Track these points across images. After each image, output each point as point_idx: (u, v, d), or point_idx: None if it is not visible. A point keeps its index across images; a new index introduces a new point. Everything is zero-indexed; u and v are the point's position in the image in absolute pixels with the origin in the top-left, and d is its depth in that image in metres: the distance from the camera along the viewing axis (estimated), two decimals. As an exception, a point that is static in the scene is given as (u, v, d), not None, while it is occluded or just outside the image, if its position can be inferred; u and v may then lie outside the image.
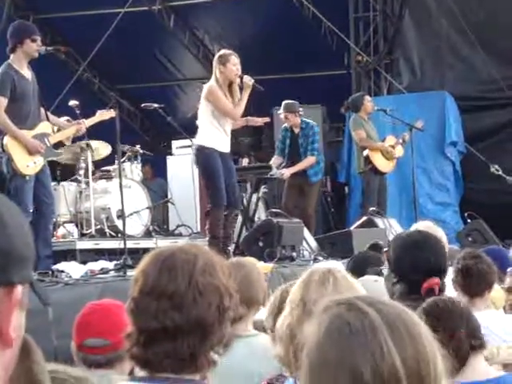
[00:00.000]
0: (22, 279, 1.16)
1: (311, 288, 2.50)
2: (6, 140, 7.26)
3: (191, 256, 2.04)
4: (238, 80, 8.33)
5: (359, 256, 5.51)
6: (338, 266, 5.53)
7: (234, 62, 8.26)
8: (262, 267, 5.80)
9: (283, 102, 10.72)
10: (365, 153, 11.05)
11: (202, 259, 2.04)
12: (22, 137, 7.28)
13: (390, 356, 1.36)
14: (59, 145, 10.03)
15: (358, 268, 4.81)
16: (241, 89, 8.38)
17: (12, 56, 7.38)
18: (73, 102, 9.10)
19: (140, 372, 2.06)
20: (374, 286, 3.50)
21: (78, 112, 8.93)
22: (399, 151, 11.25)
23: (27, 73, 7.43)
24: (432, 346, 1.41)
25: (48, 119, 7.70)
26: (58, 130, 7.95)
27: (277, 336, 2.54)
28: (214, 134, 8.18)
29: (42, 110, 7.65)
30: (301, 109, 10.69)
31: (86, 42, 14.19)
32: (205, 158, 8.15)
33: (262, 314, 3.32)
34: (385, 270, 3.62)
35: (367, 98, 11.44)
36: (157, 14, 15.24)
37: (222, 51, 8.50)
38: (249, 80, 8.35)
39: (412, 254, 3.42)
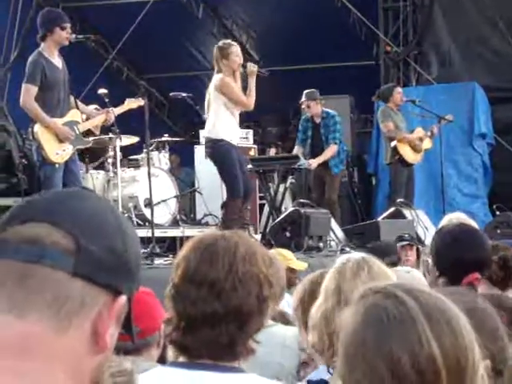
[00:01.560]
0: (128, 291, 1.17)
1: (346, 276, 2.50)
2: (37, 128, 7.29)
3: (232, 244, 2.04)
4: (241, 68, 8.33)
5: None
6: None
7: (237, 53, 8.25)
8: (298, 265, 5.78)
9: (304, 92, 10.69)
10: (392, 144, 11.00)
11: (242, 247, 2.04)
12: (52, 124, 7.31)
13: (428, 344, 1.35)
14: (88, 133, 10.09)
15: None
16: (245, 76, 8.37)
17: (42, 44, 7.40)
18: (102, 91, 9.13)
19: (179, 358, 2.07)
20: (407, 278, 3.48)
21: (106, 100, 8.95)
22: (427, 143, 11.19)
23: (58, 61, 7.45)
24: (470, 335, 1.39)
25: (77, 107, 7.72)
26: (87, 119, 7.97)
27: (310, 324, 2.54)
28: (228, 125, 8.19)
29: (72, 98, 7.67)
30: (322, 98, 10.65)
31: (115, 31, 14.22)
32: (221, 150, 8.15)
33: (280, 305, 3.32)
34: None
35: (398, 89, 11.38)
36: (186, 3, 15.24)
37: (221, 43, 8.47)
38: (253, 67, 8.36)
39: (452, 249, 3.40)
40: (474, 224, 4.61)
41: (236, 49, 8.22)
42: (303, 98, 10.64)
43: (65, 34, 7.39)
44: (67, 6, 15.39)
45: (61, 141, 7.38)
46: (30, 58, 7.43)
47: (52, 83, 7.33)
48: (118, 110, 8.25)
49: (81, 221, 1.15)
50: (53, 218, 1.14)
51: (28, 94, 7.22)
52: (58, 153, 7.37)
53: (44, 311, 1.11)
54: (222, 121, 8.14)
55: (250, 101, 8.17)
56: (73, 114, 7.59)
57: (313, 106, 10.52)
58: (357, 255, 2.68)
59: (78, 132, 7.57)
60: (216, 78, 8.11)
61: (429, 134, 11.16)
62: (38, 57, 7.34)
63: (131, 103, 8.40)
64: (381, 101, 11.66)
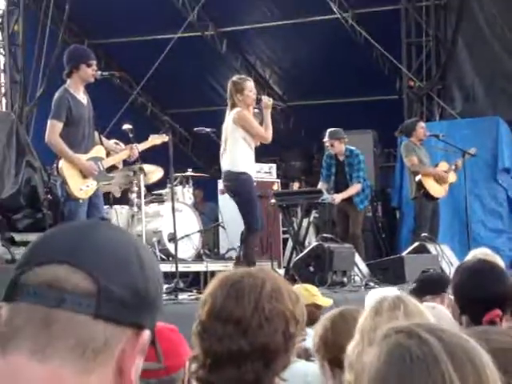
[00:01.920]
0: (150, 325, 1.17)
1: (382, 315, 2.48)
2: (61, 163, 7.34)
3: (259, 281, 2.04)
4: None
5: (425, 278, 5.37)
6: (395, 292, 5.48)
7: (251, 88, 8.28)
8: (324, 301, 5.75)
9: (328, 130, 10.69)
10: (417, 178, 10.98)
11: (269, 284, 2.04)
12: (76, 160, 7.36)
13: None
14: (112, 168, 10.14)
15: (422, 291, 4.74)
16: (259, 110, 8.40)
17: (68, 81, 7.47)
18: (126, 126, 9.18)
19: None
20: (432, 314, 3.45)
21: (131, 136, 9.01)
22: (452, 177, 11.16)
23: (83, 97, 7.52)
24: (494, 375, 1.38)
25: (102, 143, 7.77)
26: (108, 154, 8.01)
27: (346, 363, 2.52)
28: (248, 159, 8.22)
29: (96, 134, 7.72)
30: (345, 136, 10.65)
31: (139, 67, 14.35)
32: (244, 184, 8.16)
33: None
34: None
35: (421, 124, 11.38)
36: (209, 39, 15.37)
37: (236, 78, 8.49)
38: (268, 100, 8.37)
39: (471, 286, 3.36)
40: (498, 259, 4.57)
41: (250, 84, 8.27)
42: (326, 137, 10.64)
43: (91, 71, 7.45)
44: (92, 43, 15.58)
45: (85, 176, 7.42)
46: (56, 95, 7.49)
47: (77, 119, 7.39)
48: (142, 146, 8.28)
49: (100, 259, 1.14)
50: (72, 258, 1.13)
51: (53, 129, 7.28)
52: (82, 188, 7.41)
53: (67, 356, 1.10)
54: (242, 154, 8.17)
55: (268, 133, 8.20)
56: (97, 150, 7.64)
57: (336, 144, 10.52)
58: (392, 294, 2.67)
59: (101, 168, 7.61)
60: (233, 112, 8.14)
61: (453, 167, 11.14)
62: (64, 93, 7.41)
63: (155, 139, 8.44)
64: (404, 135, 11.66)
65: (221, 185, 12.55)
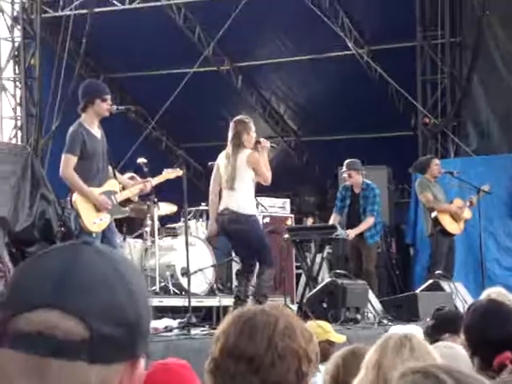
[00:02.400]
0: (144, 351, 1.14)
1: (388, 353, 2.47)
2: (75, 197, 7.36)
3: (272, 318, 2.02)
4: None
5: (440, 316, 5.30)
6: (417, 330, 5.43)
7: (254, 130, 8.36)
8: (337, 338, 5.71)
9: (346, 161, 10.69)
10: (433, 215, 10.95)
11: (282, 322, 2.01)
12: (90, 194, 7.38)
13: None
14: (126, 201, 10.15)
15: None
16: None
17: (83, 115, 7.51)
18: (141, 160, 9.21)
19: None
20: (448, 354, 3.41)
21: (145, 170, 9.03)
22: (467, 213, 11.12)
23: (97, 131, 7.55)
24: None
25: (115, 177, 7.79)
26: (123, 188, 8.02)
27: None
28: (254, 201, 8.27)
29: (110, 168, 7.74)
30: (363, 168, 10.64)
31: (154, 101, 14.42)
32: (254, 225, 8.18)
33: None
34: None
35: (435, 161, 11.36)
36: (225, 74, 15.45)
37: (243, 118, 8.53)
38: (266, 142, 8.42)
39: (480, 328, 3.32)
40: (512, 299, 4.52)
41: (253, 126, 8.40)
42: (344, 167, 10.62)
43: (105, 106, 7.48)
44: (108, 77, 15.69)
45: (98, 210, 7.43)
46: (71, 129, 7.53)
47: (91, 153, 7.42)
48: (156, 181, 8.29)
49: (89, 299, 1.10)
50: (60, 301, 1.09)
51: (67, 163, 7.30)
52: (96, 222, 7.42)
53: None
54: (251, 196, 8.23)
55: (270, 174, 8.27)
56: (111, 184, 7.66)
57: (354, 175, 10.49)
58: (400, 331, 2.65)
59: (115, 202, 7.62)
60: (245, 154, 8.10)
61: (467, 204, 11.10)
62: (79, 127, 7.44)
63: (169, 174, 8.44)
64: (418, 172, 11.65)
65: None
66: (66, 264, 1.12)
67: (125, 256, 1.21)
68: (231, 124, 8.42)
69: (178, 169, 8.43)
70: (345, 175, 10.65)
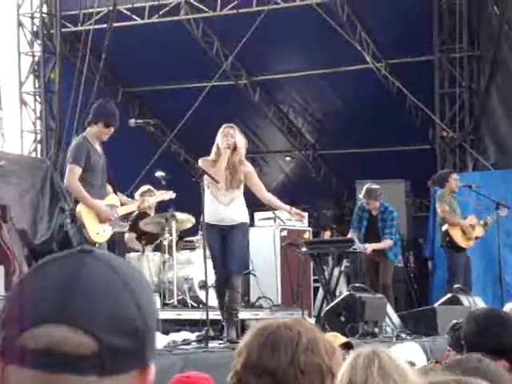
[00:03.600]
0: (153, 358, 1.14)
1: (358, 371, 2.46)
2: (79, 207, 7.40)
3: (295, 333, 2.01)
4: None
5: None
6: (415, 348, 5.41)
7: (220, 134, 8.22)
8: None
9: (365, 187, 10.59)
10: (444, 227, 10.96)
11: (305, 337, 2.01)
12: (94, 204, 7.44)
13: None
14: (143, 215, 10.20)
15: None
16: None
17: (88, 129, 7.58)
18: (159, 173, 9.26)
19: None
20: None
21: (163, 183, 9.08)
22: (479, 231, 11.10)
23: (99, 148, 7.62)
24: None
25: (116, 194, 7.88)
26: (122, 205, 8.12)
27: None
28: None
29: (110, 187, 7.81)
30: (381, 194, 10.56)
31: (172, 115, 14.48)
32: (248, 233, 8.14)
33: None
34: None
35: (454, 175, 11.33)
36: (242, 88, 15.49)
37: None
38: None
39: (477, 336, 3.33)
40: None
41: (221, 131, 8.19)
42: (363, 194, 10.53)
43: (106, 132, 7.54)
44: (127, 91, 15.78)
45: (101, 221, 7.47)
46: (75, 141, 7.61)
47: (94, 167, 7.48)
48: (152, 199, 8.59)
49: (96, 311, 1.08)
50: (67, 316, 1.08)
51: (72, 173, 7.36)
52: (99, 233, 7.46)
53: None
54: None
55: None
56: (112, 198, 7.73)
57: (371, 203, 10.45)
58: (368, 348, 2.63)
59: (116, 215, 7.68)
60: (251, 168, 8.04)
61: (482, 222, 11.08)
62: (83, 140, 7.52)
63: (163, 195, 8.63)
64: (437, 186, 11.64)
65: (254, 232, 12.50)
66: (69, 275, 1.10)
67: (125, 260, 1.19)
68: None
69: (171, 192, 8.55)
70: (363, 201, 10.56)
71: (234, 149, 7.77)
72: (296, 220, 8.41)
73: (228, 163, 7.74)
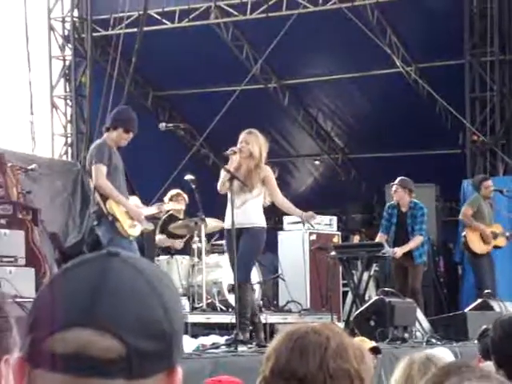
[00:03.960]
0: (180, 359, 1.14)
1: (415, 378, 2.43)
2: (109, 203, 7.44)
3: (324, 338, 2.01)
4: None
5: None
6: (445, 353, 5.37)
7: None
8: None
9: (399, 177, 10.58)
10: (463, 233, 10.97)
11: (334, 342, 2.01)
12: (125, 202, 7.51)
13: None
14: (173, 218, 10.24)
15: None
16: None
17: (107, 134, 7.63)
18: (189, 177, 9.30)
19: None
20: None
21: (193, 186, 9.11)
22: (500, 241, 11.05)
23: (117, 152, 7.70)
24: None
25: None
26: None
27: None
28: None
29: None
30: (413, 189, 10.53)
31: (202, 118, 14.52)
32: (264, 238, 8.10)
33: None
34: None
35: (485, 183, 11.27)
36: (272, 91, 15.50)
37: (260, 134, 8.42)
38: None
39: (506, 341, 3.30)
40: None
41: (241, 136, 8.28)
42: (396, 182, 10.50)
43: (126, 137, 7.60)
44: (157, 95, 15.84)
45: (130, 217, 7.54)
46: (96, 143, 7.68)
47: (114, 169, 7.56)
48: (169, 206, 8.97)
49: (124, 314, 1.08)
50: (94, 319, 1.07)
51: (101, 173, 7.42)
52: (132, 226, 7.52)
53: None
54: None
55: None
56: (134, 200, 7.83)
57: (401, 191, 10.37)
58: (419, 355, 2.60)
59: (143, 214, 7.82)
60: (268, 170, 8.06)
61: (507, 234, 11.02)
62: (103, 143, 7.60)
63: (173, 205, 9.02)
64: (474, 189, 11.61)
65: (283, 236, 12.52)
66: (96, 279, 1.10)
67: (152, 263, 1.18)
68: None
69: (164, 206, 8.75)
70: (393, 189, 10.56)
71: (250, 155, 7.83)
72: (308, 223, 8.41)
73: (242, 168, 7.83)
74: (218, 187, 7.97)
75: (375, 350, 5.73)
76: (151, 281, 1.11)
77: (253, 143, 7.93)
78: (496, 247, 11.05)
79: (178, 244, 10.25)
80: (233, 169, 7.85)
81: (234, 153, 7.88)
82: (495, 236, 10.97)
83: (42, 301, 1.12)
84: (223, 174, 7.89)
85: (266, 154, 8.04)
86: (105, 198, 7.48)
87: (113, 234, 7.45)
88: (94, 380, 1.07)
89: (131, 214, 7.50)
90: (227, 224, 7.87)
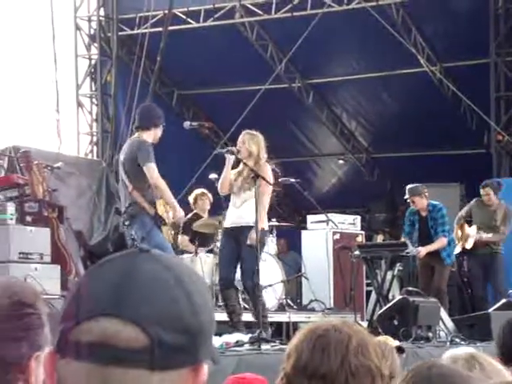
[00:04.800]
0: (207, 357, 1.15)
1: None
2: (158, 206, 7.57)
3: (345, 335, 2.03)
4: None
5: None
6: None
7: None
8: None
9: (407, 187, 10.57)
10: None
11: (355, 339, 2.02)
12: (175, 205, 7.62)
13: None
14: (198, 217, 10.28)
15: None
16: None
17: (144, 134, 7.69)
18: (213, 176, 9.32)
19: None
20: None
21: (217, 185, 9.13)
22: (469, 244, 11.11)
23: None
24: None
25: None
26: None
27: None
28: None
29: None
30: (426, 190, 10.50)
31: (226, 117, 14.55)
32: (263, 239, 8.09)
33: None
34: None
35: (482, 190, 11.24)
36: (296, 90, 15.50)
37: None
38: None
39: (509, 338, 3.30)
40: None
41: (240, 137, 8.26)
42: (407, 194, 10.52)
43: (160, 134, 7.72)
44: (182, 94, 15.90)
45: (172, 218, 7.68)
46: (142, 141, 7.67)
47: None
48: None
49: (149, 306, 1.11)
50: (119, 310, 1.10)
51: (155, 172, 7.52)
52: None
53: None
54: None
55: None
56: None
57: (417, 200, 10.38)
58: (463, 352, 2.61)
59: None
60: (265, 172, 8.05)
61: (477, 236, 11.06)
62: (146, 141, 7.66)
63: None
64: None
65: (306, 235, 12.52)
66: (124, 272, 1.12)
67: (182, 261, 1.21)
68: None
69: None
70: (408, 201, 10.55)
71: (249, 154, 7.90)
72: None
73: (244, 171, 7.91)
74: (219, 187, 8.02)
75: (399, 350, 5.73)
76: (179, 277, 1.13)
77: (249, 142, 8.01)
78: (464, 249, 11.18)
79: (199, 250, 10.23)
80: (236, 172, 7.85)
81: (232, 153, 7.92)
82: (465, 238, 11.11)
83: (73, 292, 1.15)
84: (225, 174, 7.91)
85: (266, 154, 8.10)
86: (148, 198, 7.53)
87: (148, 229, 7.54)
88: (118, 369, 1.09)
89: (174, 217, 7.60)
90: (227, 223, 7.93)
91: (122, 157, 7.84)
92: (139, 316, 1.10)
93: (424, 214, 10.41)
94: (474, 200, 11.29)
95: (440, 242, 10.25)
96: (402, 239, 10.54)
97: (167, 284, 1.12)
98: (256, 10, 14.09)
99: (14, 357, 1.59)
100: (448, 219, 10.52)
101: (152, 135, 7.68)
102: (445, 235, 10.29)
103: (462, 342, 8.34)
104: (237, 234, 7.83)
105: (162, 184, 7.54)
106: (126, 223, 7.68)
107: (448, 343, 8.37)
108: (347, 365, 1.99)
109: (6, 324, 1.61)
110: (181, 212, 7.70)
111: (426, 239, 10.31)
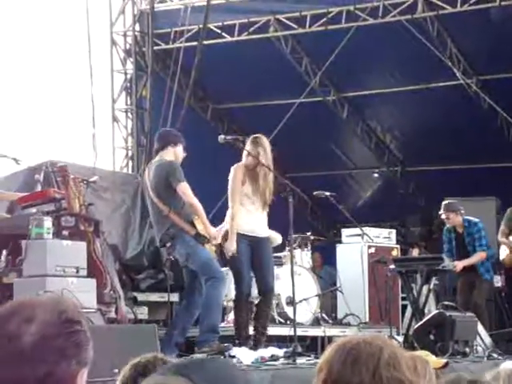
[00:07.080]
0: None
1: None
2: (197, 225, 7.62)
3: (376, 348, 2.02)
4: None
5: None
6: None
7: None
8: (436, 362, 5.63)
9: (443, 203, 10.52)
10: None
11: (386, 352, 2.01)
12: (207, 223, 7.66)
13: None
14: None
15: None
16: None
17: (170, 154, 7.79)
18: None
19: None
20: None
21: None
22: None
23: None
24: None
25: None
26: None
27: None
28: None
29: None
30: (461, 208, 10.43)
31: (260, 131, 14.53)
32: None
33: None
34: None
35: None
36: (331, 104, 15.49)
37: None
38: None
39: None
40: None
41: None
42: (442, 210, 10.47)
43: (183, 154, 7.79)
44: (216, 107, 15.95)
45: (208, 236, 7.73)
46: (169, 162, 7.75)
47: None
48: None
49: (211, 377, 1.19)
50: (185, 371, 1.18)
51: (188, 190, 7.58)
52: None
53: None
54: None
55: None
56: None
57: (452, 217, 10.33)
58: (507, 367, 2.59)
59: None
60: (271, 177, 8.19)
61: None
62: (174, 160, 7.75)
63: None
64: None
65: (341, 248, 12.46)
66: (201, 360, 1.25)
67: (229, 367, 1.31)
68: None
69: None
70: (443, 217, 10.49)
71: (256, 157, 8.26)
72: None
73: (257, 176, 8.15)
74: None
75: (445, 366, 5.65)
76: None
77: (252, 146, 8.10)
78: None
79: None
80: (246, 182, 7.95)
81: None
82: None
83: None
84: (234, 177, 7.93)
85: (272, 159, 8.18)
86: (184, 218, 7.58)
87: (192, 244, 7.60)
88: None
89: (209, 234, 7.64)
90: (247, 230, 7.87)
91: (149, 183, 7.84)
92: (200, 378, 1.21)
93: (460, 230, 10.34)
94: (509, 210, 11.14)
95: (477, 256, 10.17)
96: (444, 257, 10.46)
97: (235, 377, 1.31)
98: (290, 23, 14.10)
99: (64, 374, 1.60)
100: (485, 233, 10.43)
101: (172, 153, 7.73)
102: (483, 249, 10.22)
103: (500, 357, 8.25)
104: (255, 243, 7.83)
105: (199, 206, 7.58)
106: (168, 245, 7.72)
107: (485, 358, 8.29)
108: (379, 377, 1.98)
109: (58, 341, 1.61)
110: (212, 229, 7.71)
111: (465, 255, 10.25)
